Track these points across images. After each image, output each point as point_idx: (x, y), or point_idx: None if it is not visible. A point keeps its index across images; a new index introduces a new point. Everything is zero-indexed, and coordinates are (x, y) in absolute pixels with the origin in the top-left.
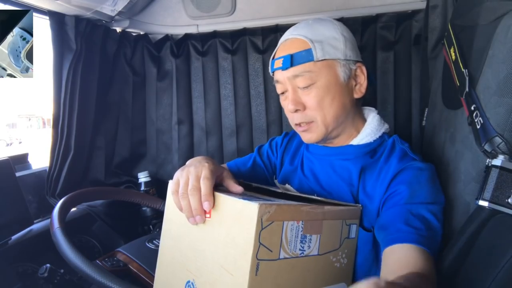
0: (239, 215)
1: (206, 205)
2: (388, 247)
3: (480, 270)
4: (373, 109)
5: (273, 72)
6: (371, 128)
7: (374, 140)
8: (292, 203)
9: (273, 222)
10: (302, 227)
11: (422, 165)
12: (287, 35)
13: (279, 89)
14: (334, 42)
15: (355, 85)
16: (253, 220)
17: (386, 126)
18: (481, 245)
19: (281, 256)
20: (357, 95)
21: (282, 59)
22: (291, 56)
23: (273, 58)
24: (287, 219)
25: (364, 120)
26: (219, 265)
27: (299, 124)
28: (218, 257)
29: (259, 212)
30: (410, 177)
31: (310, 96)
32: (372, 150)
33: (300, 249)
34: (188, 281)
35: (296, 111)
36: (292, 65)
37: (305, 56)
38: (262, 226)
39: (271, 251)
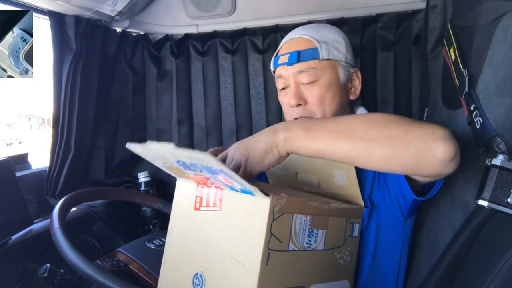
0: (251, 206)
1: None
2: None
3: (479, 270)
4: (362, 107)
5: (275, 68)
6: None
7: None
8: (300, 197)
9: (283, 214)
10: (309, 221)
11: None
12: (292, 34)
13: (280, 84)
14: (337, 45)
15: (351, 88)
16: (266, 211)
17: None
18: (480, 245)
19: (290, 248)
20: (352, 96)
21: (289, 55)
22: (298, 52)
23: (276, 55)
24: (296, 212)
25: None
26: (229, 256)
27: (298, 119)
28: (229, 248)
29: (271, 203)
30: None
31: (312, 92)
32: None
33: (307, 243)
34: (196, 274)
35: (297, 105)
36: (298, 60)
37: (312, 53)
38: (273, 217)
39: (281, 242)
